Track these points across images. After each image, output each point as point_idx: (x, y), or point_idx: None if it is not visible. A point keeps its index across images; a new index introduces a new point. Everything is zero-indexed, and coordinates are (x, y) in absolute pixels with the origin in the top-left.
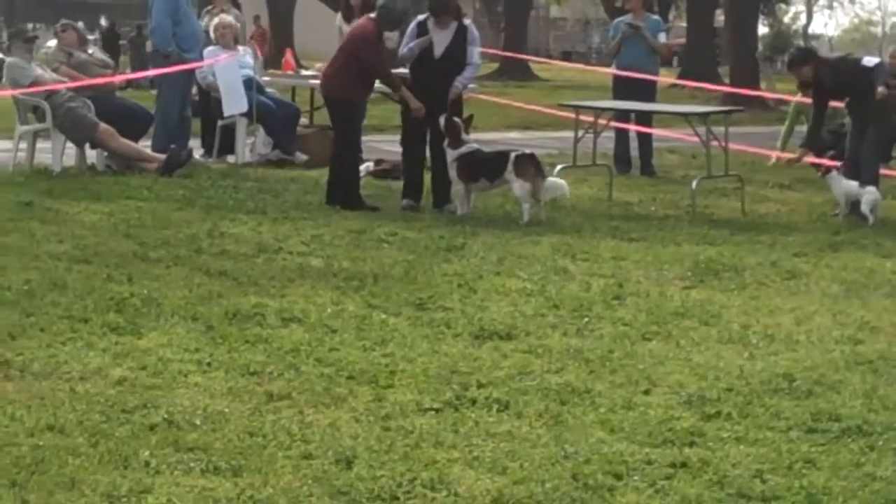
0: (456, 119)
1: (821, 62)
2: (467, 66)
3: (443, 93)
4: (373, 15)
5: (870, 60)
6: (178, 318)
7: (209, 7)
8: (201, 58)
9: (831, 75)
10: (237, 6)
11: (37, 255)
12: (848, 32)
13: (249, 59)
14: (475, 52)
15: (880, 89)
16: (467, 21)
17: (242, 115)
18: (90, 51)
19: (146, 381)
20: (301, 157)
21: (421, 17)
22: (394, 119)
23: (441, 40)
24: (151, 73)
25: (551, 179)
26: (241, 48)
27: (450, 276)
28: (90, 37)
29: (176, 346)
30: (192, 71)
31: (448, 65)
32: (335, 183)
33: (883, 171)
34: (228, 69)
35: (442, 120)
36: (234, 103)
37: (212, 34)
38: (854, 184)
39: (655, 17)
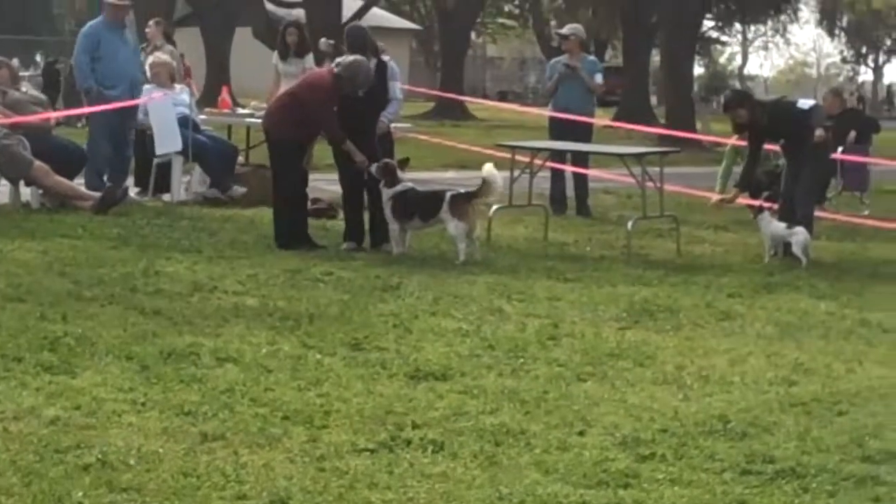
0: (389, 161)
1: (756, 104)
2: (390, 101)
3: (368, 130)
4: (335, 69)
5: (805, 103)
6: (112, 358)
7: (144, 44)
8: (131, 95)
9: (767, 117)
10: (172, 43)
11: None
12: (783, 73)
13: (185, 97)
14: (396, 86)
15: (818, 132)
16: (386, 57)
17: (178, 153)
18: (23, 88)
19: (80, 420)
20: (239, 190)
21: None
22: (327, 157)
23: None
24: (78, 111)
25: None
26: (177, 86)
27: (385, 315)
28: (24, 73)
29: (110, 386)
30: (126, 108)
31: (371, 101)
32: (283, 224)
33: (817, 213)
34: (161, 108)
35: (374, 168)
36: (167, 142)
37: (147, 72)
38: (782, 225)
39: (592, 57)
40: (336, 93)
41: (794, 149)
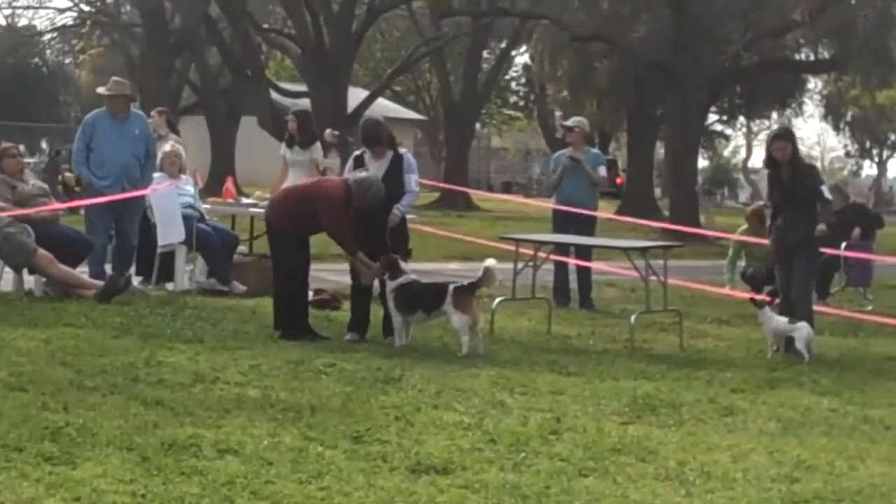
0: (392, 255)
1: (801, 157)
2: (405, 193)
3: (381, 222)
4: (349, 181)
5: (827, 191)
6: (113, 449)
7: None
8: (124, 187)
9: (802, 174)
10: (176, 132)
11: None
12: None
13: (190, 188)
14: (412, 179)
15: (821, 227)
16: (403, 150)
17: (182, 242)
18: (27, 177)
19: None
20: (238, 287)
21: (357, 151)
22: (332, 248)
23: (377, 170)
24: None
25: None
26: (182, 176)
27: (387, 408)
28: (29, 160)
29: (111, 477)
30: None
31: (386, 193)
32: (282, 313)
33: (821, 308)
34: (165, 198)
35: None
36: (171, 232)
37: (158, 161)
38: (784, 320)
39: (595, 150)
40: (348, 205)
41: (795, 227)
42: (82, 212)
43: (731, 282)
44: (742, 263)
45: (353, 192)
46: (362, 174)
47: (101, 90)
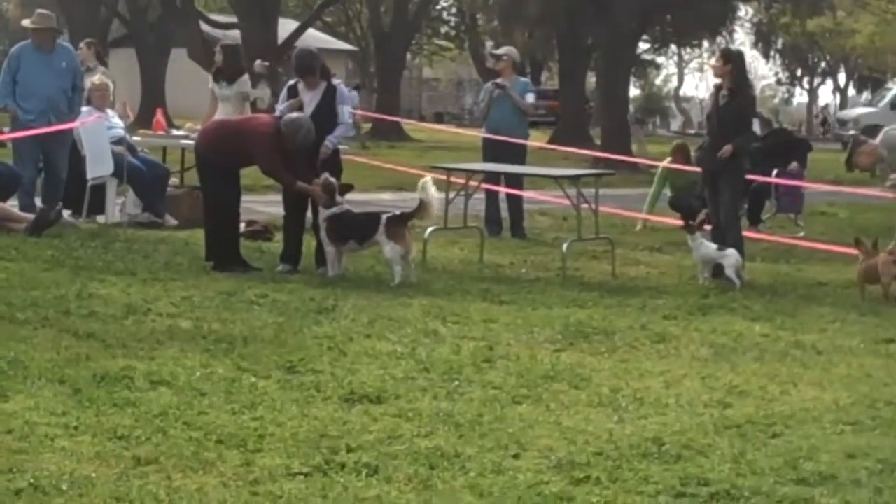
0: (332, 179)
1: (743, 76)
2: (338, 125)
3: (314, 152)
4: (280, 121)
5: (757, 125)
6: (45, 381)
7: None
8: (49, 120)
9: (737, 97)
10: (104, 64)
11: None
12: None
13: (119, 121)
14: (346, 110)
15: (727, 147)
16: (336, 81)
17: (112, 175)
18: None
19: (12, 444)
20: (171, 220)
21: (291, 80)
22: (264, 179)
23: (310, 101)
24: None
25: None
26: (109, 110)
27: (320, 338)
28: None
29: (43, 410)
30: (51, 133)
31: (318, 125)
32: (213, 244)
33: (753, 235)
34: (94, 131)
35: (322, 178)
36: (100, 165)
37: (85, 93)
38: (713, 247)
39: (524, 79)
40: (278, 143)
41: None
42: (9, 145)
43: (650, 211)
44: (668, 193)
45: (283, 132)
46: (293, 115)
47: (25, 23)
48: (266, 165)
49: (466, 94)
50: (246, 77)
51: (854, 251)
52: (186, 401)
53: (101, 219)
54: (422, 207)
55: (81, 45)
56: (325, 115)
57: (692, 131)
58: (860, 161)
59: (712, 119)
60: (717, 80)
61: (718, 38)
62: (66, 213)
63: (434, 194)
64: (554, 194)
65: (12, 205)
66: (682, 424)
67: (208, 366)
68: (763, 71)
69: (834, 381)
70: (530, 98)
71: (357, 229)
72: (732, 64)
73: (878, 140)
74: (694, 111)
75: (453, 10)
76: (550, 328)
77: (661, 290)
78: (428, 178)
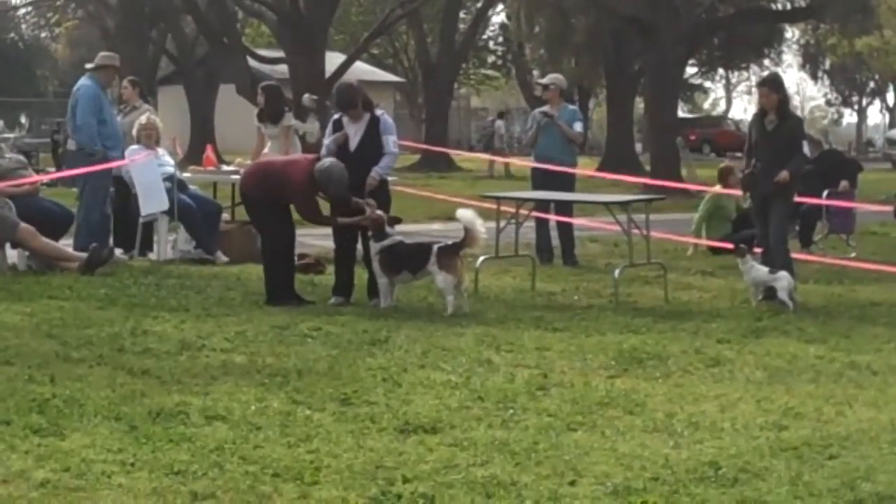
0: (379, 212)
1: (787, 100)
2: (384, 155)
3: (358, 185)
4: (315, 164)
5: (806, 147)
6: (100, 419)
7: (122, 105)
8: (122, 156)
9: (787, 122)
10: (147, 102)
11: None
12: None
13: (168, 158)
14: (390, 140)
15: (783, 174)
16: (379, 111)
17: (164, 212)
18: (3, 151)
19: (69, 482)
20: (221, 258)
21: (336, 114)
22: None
23: (355, 133)
24: (74, 172)
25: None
26: (159, 149)
27: (374, 369)
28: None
29: (99, 447)
30: (110, 169)
31: (363, 156)
32: (269, 279)
33: (805, 257)
34: (144, 168)
35: (369, 210)
36: (153, 202)
37: (134, 133)
38: (765, 270)
39: (572, 106)
40: (313, 188)
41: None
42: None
43: (698, 234)
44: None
45: (316, 178)
46: (324, 164)
47: (96, 61)
48: (304, 213)
49: (514, 124)
50: (290, 114)
51: None
52: (242, 435)
53: (152, 256)
54: (468, 236)
55: (125, 83)
56: (371, 147)
57: (740, 155)
58: None
59: (760, 145)
60: (761, 106)
61: (766, 60)
62: (117, 251)
63: (474, 220)
64: (604, 221)
65: (65, 244)
66: (738, 448)
67: (263, 399)
68: (811, 92)
69: (890, 401)
70: (578, 126)
71: (409, 260)
72: (776, 88)
73: None
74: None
75: (500, 40)
76: (604, 354)
77: (714, 314)
78: (462, 209)
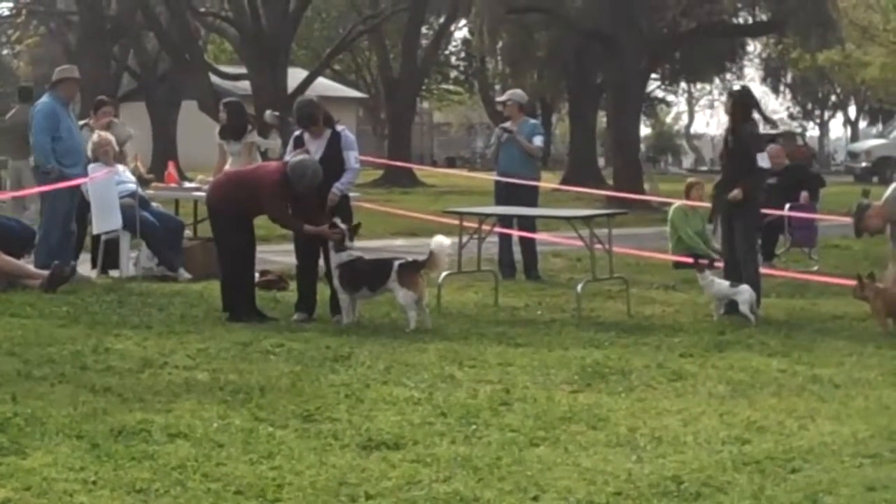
0: (342, 225)
1: (744, 115)
2: (346, 171)
3: (324, 196)
4: (286, 167)
5: (763, 159)
6: (62, 437)
7: (87, 120)
8: (86, 173)
9: (745, 139)
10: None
11: None
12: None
13: (129, 174)
14: (352, 156)
15: (735, 192)
16: (340, 127)
17: (125, 229)
18: None
19: (31, 501)
20: (184, 275)
21: (297, 131)
22: (278, 229)
23: (316, 150)
24: (32, 191)
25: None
26: (120, 166)
27: (337, 386)
28: None
29: (61, 466)
30: (76, 186)
31: (325, 172)
32: (228, 294)
33: (768, 271)
34: (103, 186)
35: (327, 224)
36: (107, 220)
37: (89, 152)
38: (726, 284)
39: (533, 121)
40: (286, 190)
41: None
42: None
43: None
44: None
45: (290, 177)
46: (298, 157)
47: (57, 75)
48: (273, 213)
49: (477, 138)
50: (252, 131)
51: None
52: (204, 452)
53: (114, 273)
54: (431, 259)
55: (105, 102)
56: (332, 163)
57: (704, 168)
58: (870, 225)
59: (724, 160)
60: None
61: (728, 74)
62: (88, 269)
63: (442, 248)
64: (567, 235)
65: (27, 261)
66: (700, 462)
67: (225, 417)
68: (774, 106)
69: (852, 415)
70: (537, 140)
71: (369, 276)
72: (732, 103)
73: (884, 198)
74: (705, 148)
75: (462, 55)
76: (567, 369)
77: (677, 329)
78: (440, 237)
